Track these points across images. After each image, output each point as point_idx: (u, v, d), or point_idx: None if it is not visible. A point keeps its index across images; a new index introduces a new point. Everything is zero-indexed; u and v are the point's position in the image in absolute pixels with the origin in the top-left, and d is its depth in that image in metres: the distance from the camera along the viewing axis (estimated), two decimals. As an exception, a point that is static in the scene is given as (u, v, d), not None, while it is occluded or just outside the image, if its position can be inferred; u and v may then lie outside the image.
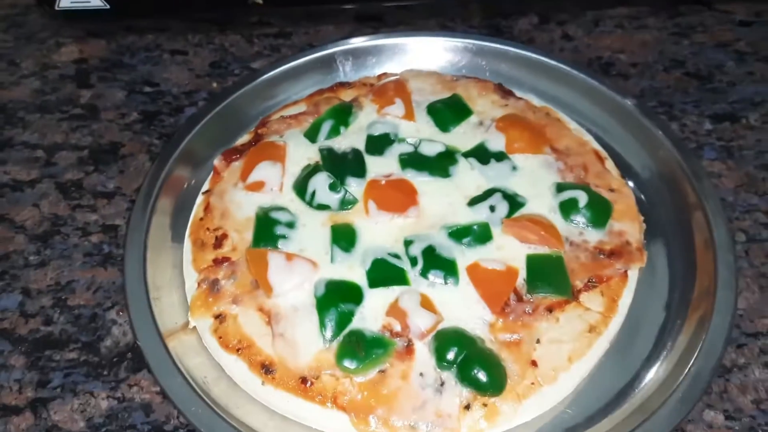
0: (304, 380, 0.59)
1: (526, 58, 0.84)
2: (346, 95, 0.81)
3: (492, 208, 0.68)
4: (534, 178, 0.72)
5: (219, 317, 0.63)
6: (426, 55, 0.86)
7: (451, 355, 0.58)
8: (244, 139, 0.78)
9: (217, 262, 0.66)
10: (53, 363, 0.64)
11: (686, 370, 0.58)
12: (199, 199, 0.73)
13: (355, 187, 0.71)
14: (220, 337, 0.62)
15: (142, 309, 0.63)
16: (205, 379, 0.60)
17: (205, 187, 0.74)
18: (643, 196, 0.73)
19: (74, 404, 0.61)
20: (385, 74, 0.84)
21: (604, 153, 0.75)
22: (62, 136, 0.83)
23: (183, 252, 0.69)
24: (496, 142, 0.74)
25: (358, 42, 0.86)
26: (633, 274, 0.66)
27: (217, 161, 0.75)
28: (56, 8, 0.90)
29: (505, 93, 0.81)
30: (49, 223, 0.74)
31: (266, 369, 0.59)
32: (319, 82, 0.84)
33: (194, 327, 0.64)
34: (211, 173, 0.75)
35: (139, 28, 0.96)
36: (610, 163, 0.74)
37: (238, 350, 0.61)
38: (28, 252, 0.72)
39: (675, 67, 0.90)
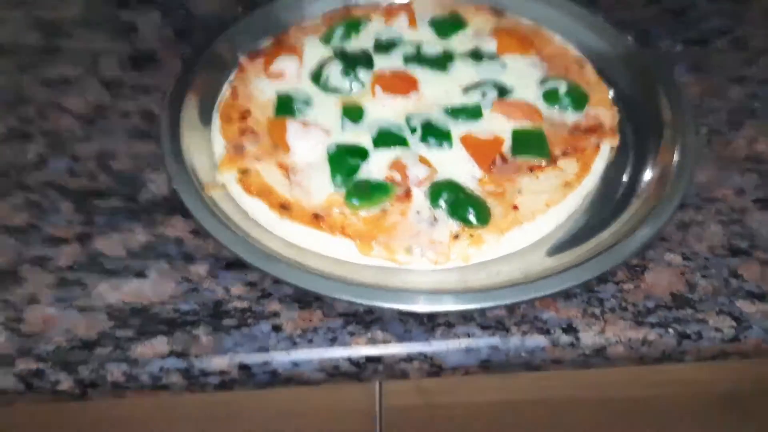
0: (316, 216, 0.68)
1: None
2: (357, 13, 0.92)
3: (483, 94, 0.78)
4: (521, 74, 0.81)
5: (243, 171, 0.72)
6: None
7: (443, 197, 0.68)
8: (266, 43, 0.88)
9: (242, 132, 0.76)
10: (98, 209, 0.73)
11: (645, 216, 0.67)
12: (226, 87, 0.83)
13: (363, 76, 0.81)
14: (244, 185, 0.71)
15: (177, 166, 0.72)
16: (233, 218, 0.69)
17: (232, 78, 0.84)
18: (619, 100, 0.83)
19: (116, 238, 0.70)
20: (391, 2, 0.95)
21: (584, 59, 0.85)
22: (104, 45, 0.93)
23: (212, 126, 0.79)
24: (489, 46, 0.84)
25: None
26: (605, 148, 0.75)
27: (242, 59, 0.85)
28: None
29: (498, 12, 0.91)
30: (94, 108, 0.84)
31: (284, 207, 0.69)
32: (333, 5, 0.95)
33: (222, 185, 0.73)
34: (236, 69, 0.85)
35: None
36: (589, 67, 0.84)
37: (259, 194, 0.70)
38: (76, 128, 0.82)
39: (653, 3, 1.01)
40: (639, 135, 0.79)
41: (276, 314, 0.63)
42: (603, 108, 0.78)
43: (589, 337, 0.62)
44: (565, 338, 0.62)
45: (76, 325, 0.62)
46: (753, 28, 0.97)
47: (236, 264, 0.67)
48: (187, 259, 0.68)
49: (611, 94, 0.82)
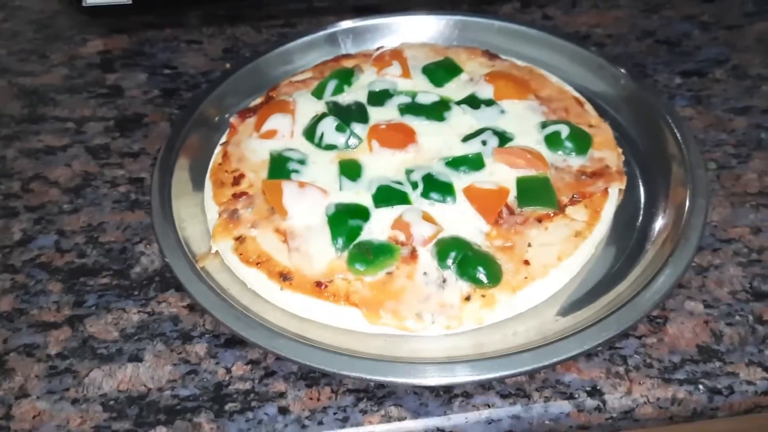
0: (319, 284, 0.64)
1: (510, 29, 0.93)
2: (348, 63, 0.90)
3: (484, 143, 0.76)
4: (521, 119, 0.79)
5: (239, 239, 0.69)
6: (419, 31, 0.95)
7: (451, 256, 0.64)
8: (257, 101, 0.86)
9: (236, 196, 0.73)
10: (88, 287, 0.69)
11: (662, 265, 0.64)
12: (217, 149, 0.80)
13: (359, 131, 0.78)
14: (241, 254, 0.67)
15: (169, 237, 0.69)
16: (230, 291, 0.66)
17: (222, 140, 0.81)
18: (622, 139, 0.80)
19: (108, 318, 0.66)
20: (382, 47, 0.93)
21: (582, 98, 0.83)
22: (90, 111, 0.91)
23: (204, 192, 0.76)
24: (486, 92, 0.82)
25: (358, 21, 0.95)
26: (613, 192, 0.72)
27: (233, 119, 0.82)
28: (83, 4, 1.00)
29: (492, 56, 0.89)
30: (81, 178, 0.81)
31: (284, 277, 0.65)
32: (323, 56, 0.93)
33: (217, 252, 0.70)
34: (227, 130, 0.82)
35: (158, 24, 1.05)
36: (588, 106, 0.82)
37: (257, 264, 0.67)
38: (62, 202, 0.78)
39: (646, 37, 0.99)
40: (646, 174, 0.77)
41: (281, 394, 0.59)
42: (607, 150, 0.76)
43: (615, 400, 0.58)
44: (590, 402, 0.58)
45: (68, 420, 0.58)
46: (750, 56, 0.95)
47: (236, 341, 0.63)
48: (184, 338, 0.64)
49: (614, 134, 0.79)
